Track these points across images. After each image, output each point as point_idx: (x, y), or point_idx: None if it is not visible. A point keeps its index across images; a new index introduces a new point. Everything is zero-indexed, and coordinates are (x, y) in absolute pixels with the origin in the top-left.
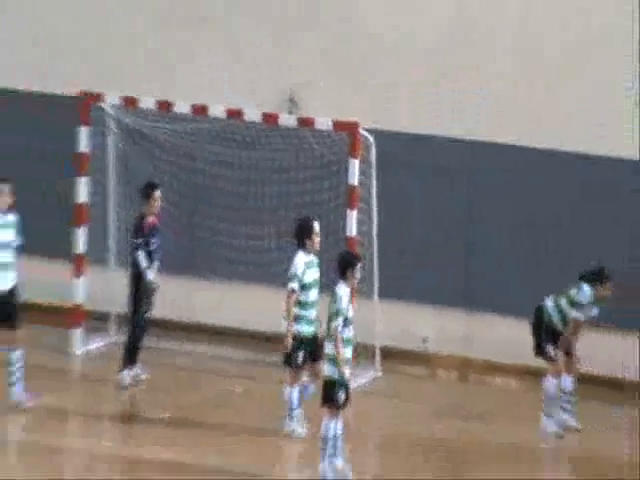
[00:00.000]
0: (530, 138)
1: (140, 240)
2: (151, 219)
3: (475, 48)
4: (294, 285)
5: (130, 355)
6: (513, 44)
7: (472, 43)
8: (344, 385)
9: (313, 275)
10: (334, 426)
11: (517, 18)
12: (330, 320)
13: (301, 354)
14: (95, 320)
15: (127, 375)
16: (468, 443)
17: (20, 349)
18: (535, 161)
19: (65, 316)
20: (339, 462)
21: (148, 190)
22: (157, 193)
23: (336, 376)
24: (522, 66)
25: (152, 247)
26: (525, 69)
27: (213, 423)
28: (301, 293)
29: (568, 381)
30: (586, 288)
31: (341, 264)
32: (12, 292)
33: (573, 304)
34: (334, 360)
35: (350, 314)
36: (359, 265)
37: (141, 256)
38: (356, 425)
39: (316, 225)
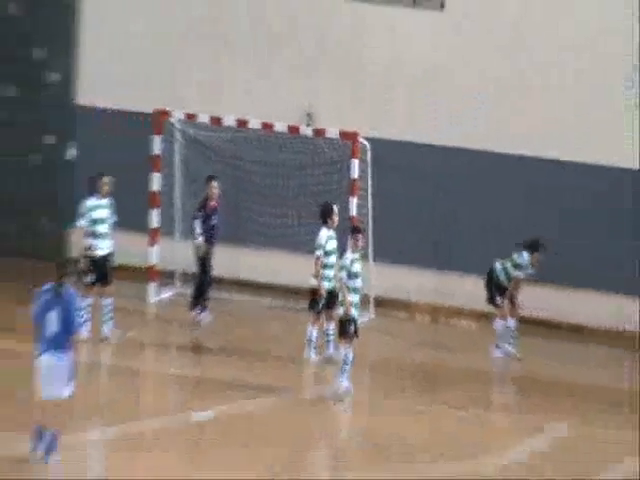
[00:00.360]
0: (482, 143)
1: (200, 213)
2: (212, 203)
3: (461, 68)
4: (319, 253)
5: (196, 301)
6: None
7: (460, 64)
8: (353, 321)
9: (333, 245)
10: (347, 352)
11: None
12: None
13: (321, 303)
14: (165, 277)
15: (198, 316)
16: (439, 367)
17: (110, 298)
18: (488, 164)
19: (143, 274)
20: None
21: (208, 180)
22: (214, 183)
23: (345, 315)
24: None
25: (213, 222)
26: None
27: (255, 351)
28: (325, 257)
29: (512, 322)
30: (525, 254)
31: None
32: (108, 257)
33: (515, 266)
34: (342, 303)
35: (355, 269)
36: (361, 231)
37: (197, 224)
38: (357, 354)
39: (335, 208)
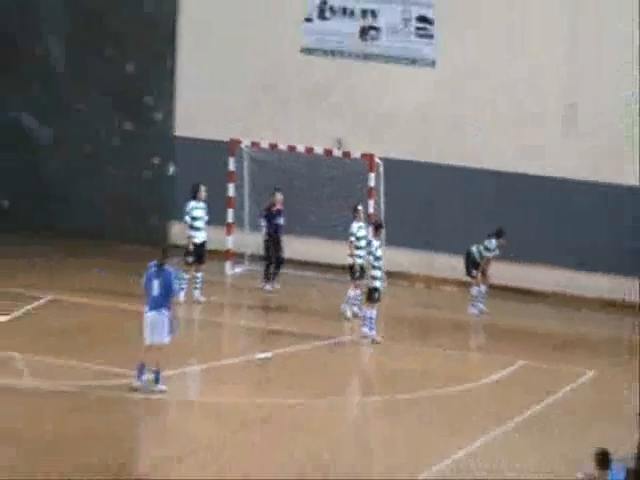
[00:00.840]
0: (465, 161)
1: (265, 213)
2: (275, 207)
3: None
4: (352, 239)
5: (266, 275)
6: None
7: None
8: (376, 290)
9: (362, 232)
10: (372, 312)
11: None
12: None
13: (357, 274)
14: (237, 258)
15: (264, 286)
16: (431, 320)
17: (201, 272)
18: (470, 176)
19: (222, 255)
20: (374, 332)
21: (274, 191)
22: (278, 193)
23: (372, 285)
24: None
25: (277, 221)
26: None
27: (305, 309)
28: (357, 242)
29: (483, 288)
30: (493, 240)
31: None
32: (203, 244)
33: (486, 249)
34: (369, 277)
35: (379, 253)
36: (382, 225)
37: (262, 223)
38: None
39: (359, 207)
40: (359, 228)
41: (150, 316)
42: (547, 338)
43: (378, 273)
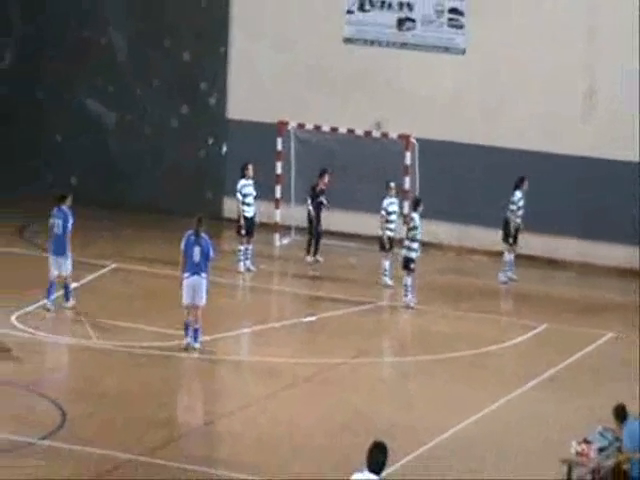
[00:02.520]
0: (489, 140)
1: (310, 193)
2: (319, 186)
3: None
4: (383, 213)
5: (308, 247)
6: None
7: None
8: (412, 260)
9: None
10: (408, 279)
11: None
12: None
13: (387, 246)
14: (284, 230)
15: (305, 257)
16: (461, 286)
17: (251, 244)
18: (491, 155)
19: (271, 228)
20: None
21: (322, 172)
22: (325, 174)
23: (409, 255)
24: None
25: (320, 199)
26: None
27: (346, 277)
28: (387, 216)
29: (509, 257)
30: (516, 192)
31: (413, 202)
32: (253, 218)
33: (512, 204)
34: (407, 247)
35: (417, 225)
36: (421, 201)
37: (308, 201)
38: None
39: (392, 184)
40: (390, 204)
41: (191, 280)
42: (569, 303)
43: (415, 244)
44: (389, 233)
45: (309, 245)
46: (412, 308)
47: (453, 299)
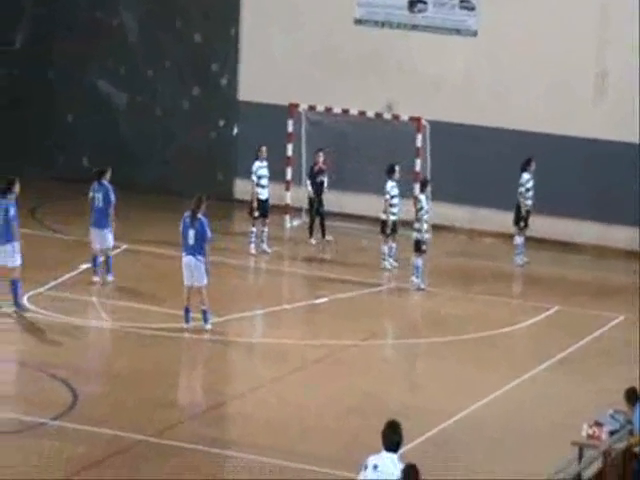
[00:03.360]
0: (498, 122)
1: (309, 173)
2: (317, 166)
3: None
4: (387, 197)
5: (311, 229)
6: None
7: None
8: (423, 242)
9: (395, 191)
10: (419, 261)
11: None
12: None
13: (389, 229)
14: (294, 211)
15: (309, 239)
16: (472, 268)
17: (267, 227)
18: (499, 137)
19: (281, 209)
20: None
21: (316, 152)
22: (320, 153)
23: (418, 237)
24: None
25: (319, 179)
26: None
27: (353, 260)
28: (390, 200)
29: (522, 239)
30: (523, 174)
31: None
32: (268, 200)
33: (520, 186)
34: (416, 229)
35: (425, 207)
36: (428, 182)
37: (307, 182)
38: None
39: (396, 167)
40: (392, 187)
41: (186, 261)
42: (581, 286)
43: (424, 226)
44: (392, 217)
45: (311, 227)
46: (422, 290)
47: (464, 281)
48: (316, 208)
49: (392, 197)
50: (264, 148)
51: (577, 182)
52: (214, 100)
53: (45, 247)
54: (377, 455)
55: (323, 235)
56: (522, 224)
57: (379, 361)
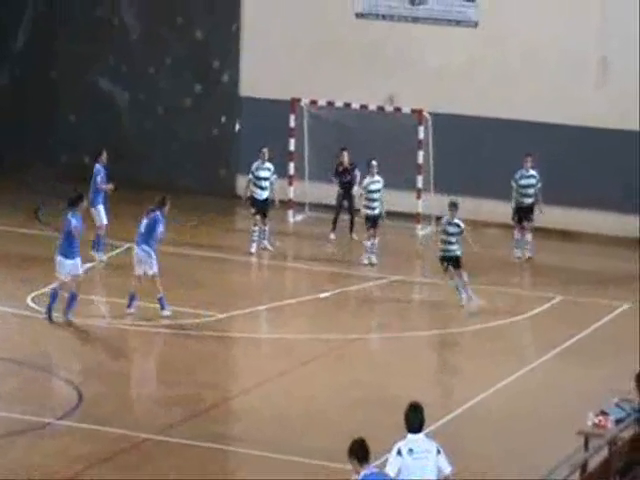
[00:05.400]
0: (497, 113)
1: (334, 172)
2: (342, 166)
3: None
4: (361, 192)
5: (334, 224)
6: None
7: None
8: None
9: (374, 186)
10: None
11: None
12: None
13: (369, 224)
14: (298, 206)
15: (329, 234)
16: (476, 259)
17: (267, 225)
18: (500, 127)
19: (285, 205)
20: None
21: (341, 150)
22: (344, 153)
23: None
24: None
25: (345, 179)
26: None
27: (356, 254)
28: (367, 194)
29: (520, 234)
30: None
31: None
32: (266, 201)
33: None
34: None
35: (371, 187)
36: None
37: (334, 179)
38: (424, 253)
39: (374, 162)
40: (370, 182)
41: (136, 250)
42: (585, 275)
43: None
44: (372, 212)
45: (335, 223)
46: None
47: (468, 273)
48: (348, 207)
49: (370, 192)
50: (265, 150)
51: (579, 171)
52: (216, 96)
53: (48, 247)
54: (404, 440)
55: (351, 231)
56: (515, 218)
57: (384, 354)
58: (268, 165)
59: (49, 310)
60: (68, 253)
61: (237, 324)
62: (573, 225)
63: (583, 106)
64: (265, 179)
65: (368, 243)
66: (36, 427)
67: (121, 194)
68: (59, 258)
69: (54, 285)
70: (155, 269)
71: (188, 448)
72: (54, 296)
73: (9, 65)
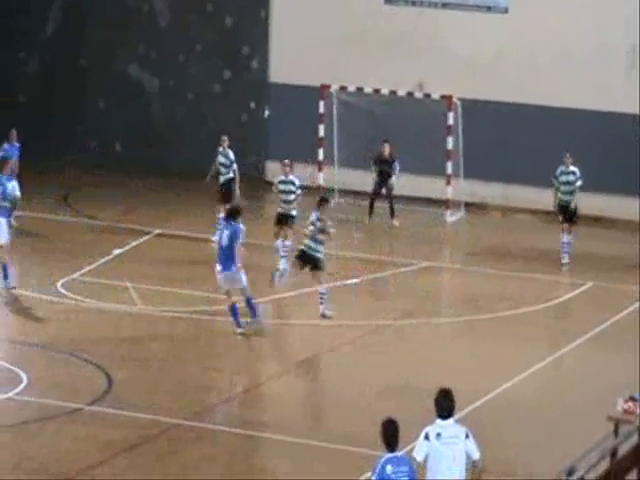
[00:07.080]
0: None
1: (375, 161)
2: (383, 156)
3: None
4: (311, 227)
5: (370, 211)
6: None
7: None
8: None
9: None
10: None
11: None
12: None
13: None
14: (328, 192)
15: (369, 219)
16: (505, 246)
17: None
18: (530, 113)
19: (314, 190)
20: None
21: (383, 142)
22: (386, 145)
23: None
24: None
25: (383, 167)
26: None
27: (385, 240)
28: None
29: (565, 236)
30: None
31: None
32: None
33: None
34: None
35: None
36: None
37: (372, 167)
38: (452, 240)
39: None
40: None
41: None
42: (615, 261)
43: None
44: (320, 255)
45: (370, 209)
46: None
47: (498, 259)
48: (387, 194)
49: (320, 230)
50: (225, 137)
51: (610, 157)
52: (245, 83)
53: (78, 233)
54: (433, 425)
55: (392, 216)
56: (560, 218)
57: (413, 340)
58: (228, 152)
59: None
60: None
61: (266, 310)
62: (606, 211)
63: (615, 92)
64: (224, 165)
65: (321, 288)
66: (66, 412)
67: (150, 181)
68: None
69: None
70: (4, 240)
71: (218, 434)
72: None
73: (39, 53)
